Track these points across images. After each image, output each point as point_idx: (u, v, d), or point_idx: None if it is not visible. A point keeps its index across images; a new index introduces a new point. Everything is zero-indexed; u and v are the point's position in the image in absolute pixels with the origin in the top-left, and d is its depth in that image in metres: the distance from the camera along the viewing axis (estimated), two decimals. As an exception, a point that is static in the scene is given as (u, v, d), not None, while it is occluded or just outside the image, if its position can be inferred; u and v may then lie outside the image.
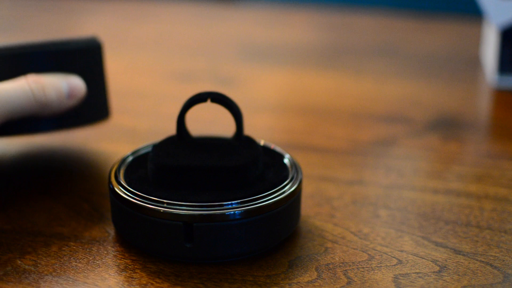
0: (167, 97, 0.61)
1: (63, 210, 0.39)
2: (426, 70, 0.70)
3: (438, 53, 0.76)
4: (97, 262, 0.33)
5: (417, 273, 0.33)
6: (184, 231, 0.32)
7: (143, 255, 0.34)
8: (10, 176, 0.43)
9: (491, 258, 0.34)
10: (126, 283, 0.32)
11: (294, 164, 0.37)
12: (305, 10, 1.01)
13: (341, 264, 0.33)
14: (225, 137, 0.38)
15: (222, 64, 0.72)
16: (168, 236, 0.32)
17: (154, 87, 0.64)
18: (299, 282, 0.32)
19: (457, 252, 0.34)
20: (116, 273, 0.33)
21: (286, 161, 0.37)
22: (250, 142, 0.37)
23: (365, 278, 0.32)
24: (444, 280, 0.32)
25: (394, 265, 0.33)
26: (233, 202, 0.32)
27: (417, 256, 0.34)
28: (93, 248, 0.35)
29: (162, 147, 0.36)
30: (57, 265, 0.33)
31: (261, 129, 0.52)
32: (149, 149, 0.38)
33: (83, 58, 0.41)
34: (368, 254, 0.34)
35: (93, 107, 0.42)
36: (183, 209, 0.32)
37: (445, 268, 0.33)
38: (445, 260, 0.34)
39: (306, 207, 0.39)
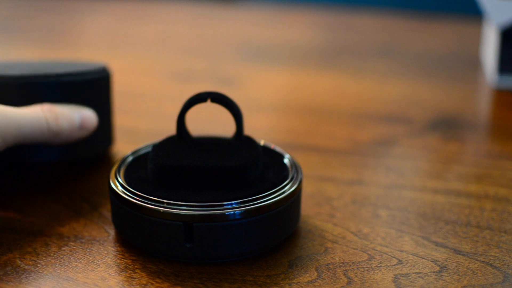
0: (167, 97, 0.61)
1: (63, 210, 0.39)
2: (426, 70, 0.70)
3: (438, 53, 0.76)
4: (97, 262, 0.33)
5: (417, 273, 0.33)
6: (184, 231, 0.32)
7: (143, 255, 0.34)
8: (10, 176, 0.43)
9: (491, 258, 0.34)
10: (126, 283, 0.32)
11: (294, 164, 0.37)
12: (305, 10, 1.01)
13: (341, 264, 0.33)
14: (225, 137, 0.38)
15: (222, 64, 0.72)
16: (168, 236, 0.32)
17: (154, 87, 0.64)
18: (299, 282, 0.32)
19: (457, 252, 0.34)
20: (116, 273, 0.33)
21: (286, 161, 0.37)
22: (250, 142, 0.37)
23: (365, 278, 0.32)
24: (444, 280, 0.32)
25: (394, 265, 0.33)
26: (233, 202, 0.32)
27: (417, 256, 0.34)
28: (93, 248, 0.35)
29: (162, 147, 0.36)
30: (57, 265, 0.33)
31: (261, 129, 0.52)
32: (149, 149, 0.38)
33: (94, 88, 0.42)
34: (368, 254, 0.34)
35: (100, 137, 0.43)
36: (183, 209, 0.32)
37: (445, 268, 0.33)
38: (445, 260, 0.34)
39: (306, 207, 0.39)
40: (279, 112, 0.60)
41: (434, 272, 0.33)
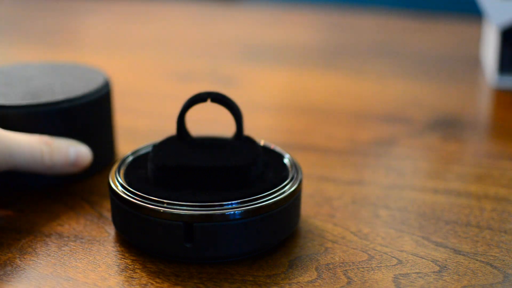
0: (167, 97, 0.61)
1: (63, 210, 0.39)
2: (426, 70, 0.70)
3: (438, 53, 0.76)
4: (97, 262, 0.33)
5: (417, 273, 0.33)
6: (184, 231, 0.32)
7: (143, 255, 0.34)
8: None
9: (491, 258, 0.34)
10: (126, 283, 0.32)
11: (294, 164, 0.37)
12: (305, 10, 1.01)
13: (341, 264, 0.33)
14: (225, 137, 0.38)
15: (222, 64, 0.72)
16: (168, 236, 0.32)
17: (154, 87, 0.64)
18: (299, 282, 0.32)
19: (457, 252, 0.34)
20: (116, 273, 0.33)
21: (286, 161, 0.37)
22: (250, 142, 0.37)
23: (365, 278, 0.32)
24: (444, 280, 0.32)
25: (394, 265, 0.33)
26: (233, 202, 0.32)
27: (417, 256, 0.34)
28: (93, 248, 0.35)
29: (162, 147, 0.36)
30: (57, 265, 0.33)
31: (261, 129, 0.52)
32: (149, 149, 0.38)
33: (95, 108, 0.42)
34: (368, 254, 0.34)
35: (101, 154, 0.43)
36: (183, 209, 0.32)
37: (445, 268, 0.33)
38: (445, 260, 0.34)
39: (306, 207, 0.39)
40: (279, 112, 0.60)
41: (434, 272, 0.33)
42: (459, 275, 0.32)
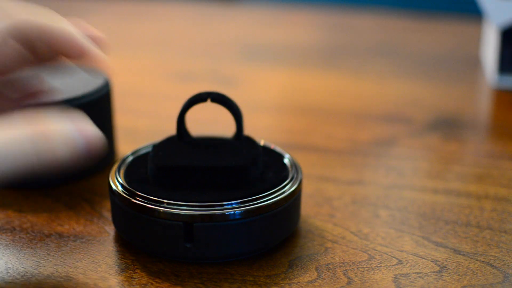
0: (167, 97, 0.61)
1: (63, 210, 0.39)
2: (426, 70, 0.69)
3: (438, 53, 0.76)
4: (98, 262, 0.33)
5: (417, 273, 0.33)
6: (184, 231, 0.32)
7: (143, 255, 0.34)
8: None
9: (491, 258, 0.34)
10: (126, 283, 0.32)
11: (294, 164, 0.37)
12: (305, 10, 1.01)
13: (341, 264, 0.33)
14: (225, 137, 0.38)
15: (222, 64, 0.72)
16: (168, 236, 0.32)
17: (154, 87, 0.64)
18: (299, 282, 0.32)
19: (457, 252, 0.34)
20: (116, 273, 0.33)
21: (286, 161, 0.37)
22: (250, 142, 0.37)
23: (365, 278, 0.32)
24: (444, 280, 0.32)
25: (394, 265, 0.33)
26: (233, 202, 0.32)
27: (417, 256, 0.34)
28: (93, 248, 0.35)
29: (162, 147, 0.36)
30: (57, 265, 0.33)
31: (261, 129, 0.52)
32: (149, 149, 0.38)
33: (95, 108, 0.42)
34: (368, 254, 0.34)
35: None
36: (183, 209, 0.32)
37: (445, 268, 0.33)
38: (445, 260, 0.34)
39: (306, 207, 0.39)
40: (279, 112, 0.60)
41: (434, 272, 0.33)
42: (459, 275, 0.32)
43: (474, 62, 0.71)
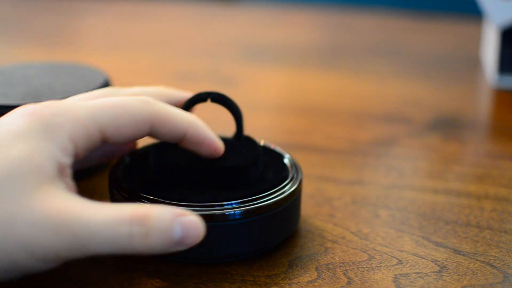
0: (167, 97, 0.61)
1: (63, 210, 0.39)
2: (426, 70, 0.70)
3: (438, 53, 0.76)
4: (97, 262, 0.33)
5: (417, 273, 0.33)
6: (184, 231, 0.32)
7: (143, 255, 0.34)
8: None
9: (491, 258, 0.34)
10: (126, 283, 0.32)
11: (294, 164, 0.37)
12: (305, 10, 1.01)
13: (341, 264, 0.33)
14: (225, 137, 0.38)
15: (223, 64, 0.72)
16: (168, 236, 0.32)
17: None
18: (299, 282, 0.32)
19: (457, 252, 0.34)
20: (116, 273, 0.33)
21: (286, 161, 0.37)
22: (250, 142, 0.37)
23: (365, 278, 0.32)
24: (444, 280, 0.32)
25: (394, 265, 0.33)
26: (233, 202, 0.32)
27: (417, 256, 0.34)
28: (93, 248, 0.35)
29: (162, 147, 0.36)
30: (57, 265, 0.33)
31: (261, 129, 0.52)
32: (149, 149, 0.38)
33: None
34: (368, 254, 0.34)
35: None
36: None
37: (445, 268, 0.33)
38: (445, 260, 0.34)
39: (306, 207, 0.39)
40: (279, 112, 0.60)
41: (434, 272, 0.33)
42: (459, 275, 0.33)
43: (474, 62, 0.71)
